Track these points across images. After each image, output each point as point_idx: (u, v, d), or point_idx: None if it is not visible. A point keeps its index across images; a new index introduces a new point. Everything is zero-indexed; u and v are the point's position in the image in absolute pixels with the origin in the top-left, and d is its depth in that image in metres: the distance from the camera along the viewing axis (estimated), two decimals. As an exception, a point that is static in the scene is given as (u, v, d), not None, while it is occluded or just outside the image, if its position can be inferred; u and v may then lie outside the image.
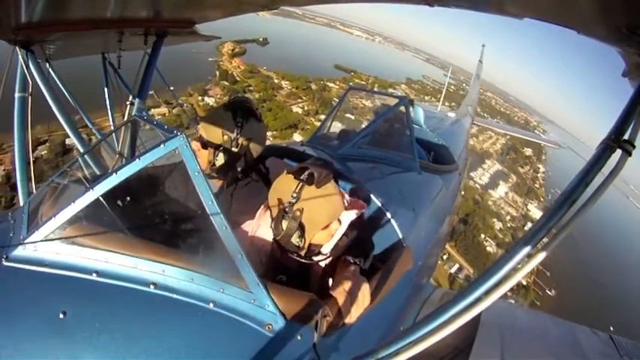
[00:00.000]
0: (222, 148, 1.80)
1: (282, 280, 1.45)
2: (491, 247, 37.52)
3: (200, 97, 47.47)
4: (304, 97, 59.09)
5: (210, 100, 46.51)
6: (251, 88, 55.67)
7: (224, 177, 1.90)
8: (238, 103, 1.89)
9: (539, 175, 62.34)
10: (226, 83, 53.82)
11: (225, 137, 1.80)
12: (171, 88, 3.22)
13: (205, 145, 1.82)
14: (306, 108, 54.71)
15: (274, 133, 44.15)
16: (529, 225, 43.73)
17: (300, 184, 1.37)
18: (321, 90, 62.69)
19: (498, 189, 50.71)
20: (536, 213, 48.46)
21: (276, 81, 61.26)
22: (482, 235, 38.74)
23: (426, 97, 76.41)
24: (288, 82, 61.66)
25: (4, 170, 24.38)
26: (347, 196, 1.70)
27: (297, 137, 39.49)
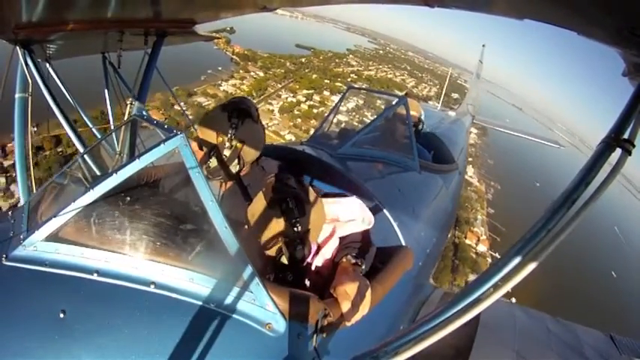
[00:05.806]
0: (215, 149, 1.77)
1: (283, 279, 1.45)
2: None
3: (252, 72, 60.51)
4: (307, 70, 72.02)
5: (260, 73, 61.62)
6: (269, 65, 66.91)
7: (218, 179, 1.88)
8: (235, 103, 1.86)
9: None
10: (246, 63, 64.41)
11: (220, 139, 1.77)
12: (174, 90, 3.22)
13: (201, 146, 1.80)
14: (315, 76, 68.92)
15: (318, 90, 60.86)
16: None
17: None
18: (309, 63, 76.48)
19: (443, 120, 72.59)
20: (474, 136, 68.02)
21: (278, 60, 70.68)
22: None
23: (370, 63, 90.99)
24: (286, 61, 72.03)
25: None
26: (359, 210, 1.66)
27: (327, 93, 59.64)
